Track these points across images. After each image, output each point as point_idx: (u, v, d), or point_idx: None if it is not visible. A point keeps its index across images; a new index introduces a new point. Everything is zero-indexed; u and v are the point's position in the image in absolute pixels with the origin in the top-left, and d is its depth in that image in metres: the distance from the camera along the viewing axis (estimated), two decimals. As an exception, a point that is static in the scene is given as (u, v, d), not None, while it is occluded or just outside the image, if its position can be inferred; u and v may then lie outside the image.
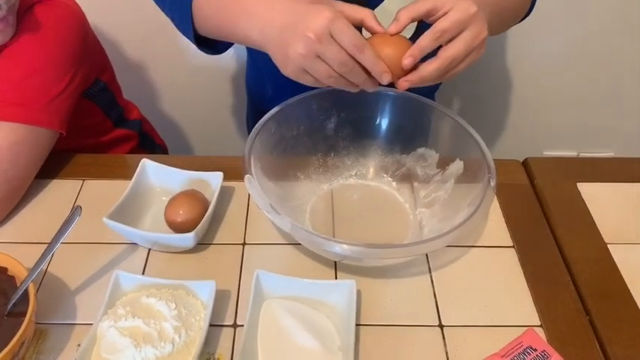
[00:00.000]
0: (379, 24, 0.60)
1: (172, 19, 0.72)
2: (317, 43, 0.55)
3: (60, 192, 0.77)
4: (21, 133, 0.73)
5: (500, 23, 0.70)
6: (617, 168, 0.84)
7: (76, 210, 0.61)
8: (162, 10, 0.74)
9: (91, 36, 0.89)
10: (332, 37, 0.55)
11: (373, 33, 0.60)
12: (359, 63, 0.57)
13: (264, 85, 0.89)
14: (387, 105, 0.78)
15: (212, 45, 0.73)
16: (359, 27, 0.59)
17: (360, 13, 0.59)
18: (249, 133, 0.70)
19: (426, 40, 0.58)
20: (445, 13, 0.58)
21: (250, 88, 1.03)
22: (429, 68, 0.58)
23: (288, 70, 0.59)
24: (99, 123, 0.96)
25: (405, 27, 0.59)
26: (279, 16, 0.58)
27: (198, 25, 0.69)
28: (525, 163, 0.84)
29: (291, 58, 0.57)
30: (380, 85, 0.60)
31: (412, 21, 0.59)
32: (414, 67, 0.59)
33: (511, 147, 1.58)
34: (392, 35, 0.59)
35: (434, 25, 0.57)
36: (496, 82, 1.45)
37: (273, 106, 0.72)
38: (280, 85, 0.71)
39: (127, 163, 0.83)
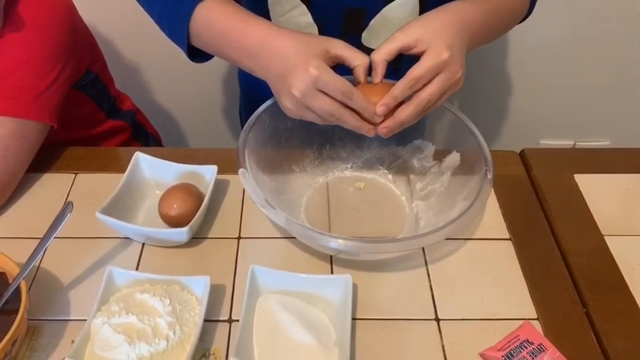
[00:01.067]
0: (365, 76, 0.62)
1: (162, 29, 0.70)
2: (302, 99, 0.58)
3: (52, 186, 0.76)
4: (10, 127, 0.72)
5: (489, 36, 0.71)
6: (615, 159, 0.83)
7: (67, 206, 0.60)
8: (151, 16, 0.71)
9: (81, 26, 0.87)
10: (319, 90, 0.57)
11: (358, 83, 0.62)
12: (350, 109, 0.59)
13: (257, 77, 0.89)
14: (383, 96, 0.77)
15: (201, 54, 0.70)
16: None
17: (356, 61, 0.61)
18: (242, 126, 0.69)
19: (399, 89, 0.59)
20: (419, 52, 0.59)
21: (243, 81, 1.02)
22: (405, 113, 0.60)
23: (287, 113, 0.62)
24: (91, 114, 0.95)
25: (384, 73, 0.61)
26: (275, 66, 0.60)
27: (193, 42, 0.67)
28: (522, 154, 0.83)
29: (285, 108, 0.62)
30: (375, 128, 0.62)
31: (389, 60, 0.61)
32: (392, 112, 0.61)
33: (507, 136, 1.58)
34: (376, 85, 0.61)
35: (407, 74, 0.59)
36: (492, 72, 1.44)
37: (267, 98, 0.71)
38: None
39: (121, 155, 0.82)
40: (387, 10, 0.75)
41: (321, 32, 0.76)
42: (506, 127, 1.56)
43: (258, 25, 0.62)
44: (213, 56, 0.70)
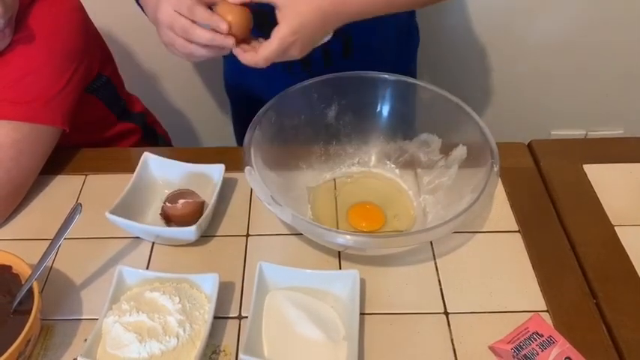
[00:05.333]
0: None
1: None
2: (166, 29, 0.64)
3: (63, 187, 0.77)
4: (23, 131, 0.73)
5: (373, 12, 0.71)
6: (624, 148, 0.82)
7: (76, 208, 0.61)
8: None
9: (92, 30, 0.88)
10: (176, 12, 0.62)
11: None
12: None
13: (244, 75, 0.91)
14: (388, 91, 0.77)
15: None
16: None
17: None
18: (235, 128, 0.70)
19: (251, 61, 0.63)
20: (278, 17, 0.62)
21: (230, 86, 1.02)
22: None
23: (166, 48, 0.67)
24: (103, 117, 0.95)
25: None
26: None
27: None
28: (530, 146, 0.83)
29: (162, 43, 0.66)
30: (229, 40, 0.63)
31: None
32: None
33: (518, 128, 1.55)
34: (235, 6, 0.64)
35: (259, 51, 0.62)
36: (503, 62, 1.43)
37: (256, 96, 0.72)
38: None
39: (130, 156, 0.83)
40: None
41: None
42: (516, 119, 1.54)
43: None
44: None
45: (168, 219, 0.70)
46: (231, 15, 0.63)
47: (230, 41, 0.63)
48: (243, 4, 0.64)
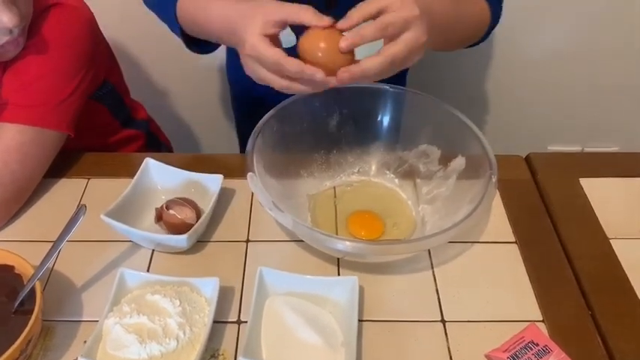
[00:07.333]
0: (321, 17, 0.59)
1: (164, 21, 0.74)
2: (253, 75, 0.61)
3: (66, 191, 0.78)
4: (29, 135, 0.74)
5: (445, 42, 0.72)
6: (619, 163, 0.84)
7: (80, 209, 0.61)
8: (156, 13, 0.75)
9: (101, 38, 0.89)
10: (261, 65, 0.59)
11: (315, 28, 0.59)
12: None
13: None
14: (389, 101, 0.79)
15: (202, 44, 0.74)
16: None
17: (301, 15, 0.59)
18: (237, 129, 0.70)
19: (368, 30, 0.57)
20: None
21: (233, 83, 1.03)
22: (370, 62, 0.58)
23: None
24: (107, 124, 0.97)
25: (355, 25, 0.59)
26: (234, 43, 0.63)
27: (184, 27, 0.70)
28: (528, 159, 0.84)
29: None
30: (330, 82, 0.59)
31: (363, 20, 0.59)
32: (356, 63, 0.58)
33: (515, 142, 1.57)
34: (330, 30, 0.58)
35: (379, 18, 0.57)
36: (501, 77, 1.45)
37: (257, 97, 0.73)
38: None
39: (132, 161, 0.83)
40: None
41: None
42: (513, 133, 1.56)
43: (217, 8, 0.65)
44: (212, 47, 0.73)
45: (164, 224, 0.70)
46: (324, 41, 0.58)
47: (332, 81, 0.58)
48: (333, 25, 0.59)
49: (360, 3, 0.59)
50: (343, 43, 0.57)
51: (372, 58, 0.58)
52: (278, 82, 0.60)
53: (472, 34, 0.78)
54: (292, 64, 0.57)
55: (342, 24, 0.59)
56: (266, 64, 0.59)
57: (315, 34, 0.58)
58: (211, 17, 0.65)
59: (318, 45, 0.58)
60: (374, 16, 0.58)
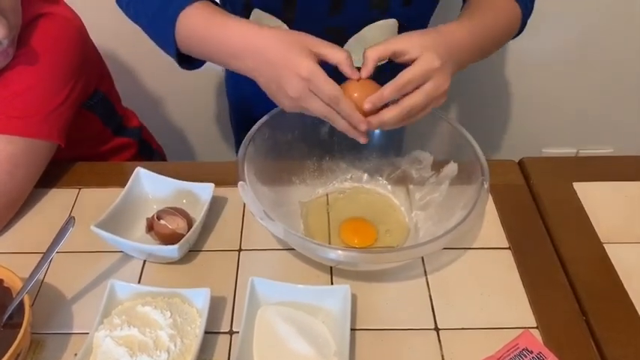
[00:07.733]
0: (353, 69, 0.61)
1: (152, 38, 0.71)
2: (299, 100, 0.61)
3: (56, 201, 0.78)
4: (19, 145, 0.73)
5: (481, 54, 0.72)
6: (613, 167, 0.83)
7: (69, 220, 0.61)
8: (141, 26, 0.72)
9: (91, 47, 0.89)
10: (312, 92, 0.59)
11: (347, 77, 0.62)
12: None
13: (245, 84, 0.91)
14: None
15: (194, 61, 0.72)
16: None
17: (337, 56, 0.60)
18: (235, 135, 0.70)
19: (388, 91, 0.60)
20: (411, 59, 0.60)
21: (231, 93, 1.02)
22: (389, 114, 0.60)
23: (288, 110, 0.64)
24: (99, 133, 0.96)
25: (372, 70, 0.61)
26: (264, 70, 0.62)
27: (181, 45, 0.68)
28: (521, 163, 0.84)
29: (284, 107, 0.64)
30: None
31: (379, 61, 0.61)
32: (377, 110, 0.61)
33: (509, 145, 1.58)
34: (364, 81, 0.61)
35: (398, 76, 0.59)
36: (494, 81, 1.45)
37: (255, 107, 0.72)
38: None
39: (123, 170, 0.83)
40: (365, 31, 0.77)
41: None
42: (508, 137, 1.56)
43: (237, 27, 0.63)
44: (202, 63, 0.72)
45: (156, 234, 0.70)
46: (363, 92, 0.60)
47: (363, 129, 0.61)
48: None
49: (378, 43, 0.61)
50: (366, 106, 0.60)
51: (391, 110, 0.60)
52: (320, 109, 0.61)
53: (505, 36, 0.77)
54: (346, 106, 0.59)
55: (363, 73, 0.61)
56: (321, 93, 0.59)
57: (352, 83, 0.61)
58: (230, 36, 0.63)
59: (353, 95, 0.61)
60: (390, 57, 0.61)
